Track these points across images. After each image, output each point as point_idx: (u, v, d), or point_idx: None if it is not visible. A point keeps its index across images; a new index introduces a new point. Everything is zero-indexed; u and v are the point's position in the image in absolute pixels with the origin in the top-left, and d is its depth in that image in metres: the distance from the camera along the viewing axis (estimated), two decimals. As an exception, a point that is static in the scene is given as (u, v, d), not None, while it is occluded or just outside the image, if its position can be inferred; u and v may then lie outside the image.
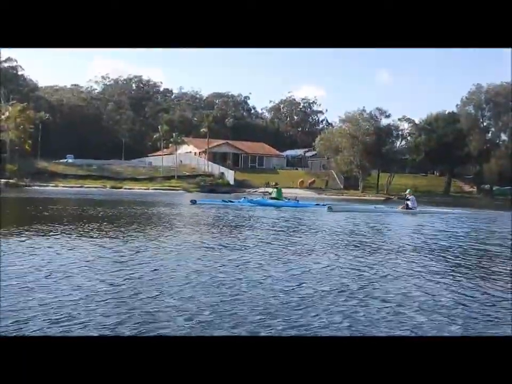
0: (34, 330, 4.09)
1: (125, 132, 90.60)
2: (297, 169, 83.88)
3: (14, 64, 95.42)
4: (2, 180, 55.71)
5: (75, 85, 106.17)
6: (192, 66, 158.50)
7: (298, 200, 28.13)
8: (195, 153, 79.31)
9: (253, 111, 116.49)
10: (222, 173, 70.80)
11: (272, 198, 27.61)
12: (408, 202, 23.84)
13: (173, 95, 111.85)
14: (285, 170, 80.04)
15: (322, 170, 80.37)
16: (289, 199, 28.44)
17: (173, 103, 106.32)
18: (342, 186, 73.64)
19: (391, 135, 78.47)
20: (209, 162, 72.79)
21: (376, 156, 72.89)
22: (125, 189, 58.58)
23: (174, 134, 73.72)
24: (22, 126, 67.17)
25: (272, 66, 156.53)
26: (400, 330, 4.48)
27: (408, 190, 25.12)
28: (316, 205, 28.45)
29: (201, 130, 79.11)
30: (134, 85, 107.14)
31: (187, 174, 69.91)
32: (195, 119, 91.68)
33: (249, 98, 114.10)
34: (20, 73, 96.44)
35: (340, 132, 76.44)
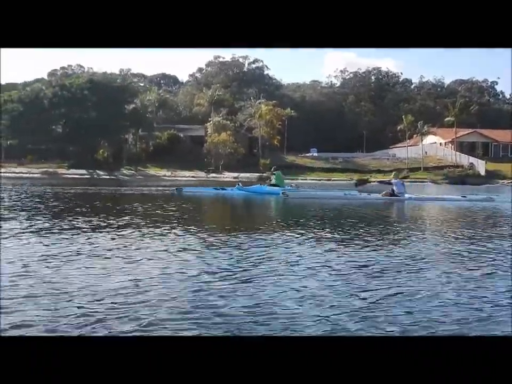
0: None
1: (365, 124, 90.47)
2: (559, 157, 75.37)
3: (260, 64, 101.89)
4: (256, 174, 59.30)
5: (315, 81, 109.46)
6: (432, 55, 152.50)
7: (298, 186, 25.06)
8: (440, 143, 76.07)
9: (500, 96, 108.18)
10: (471, 164, 66.76)
11: (271, 185, 23.24)
12: (394, 187, 19.79)
13: (413, 85, 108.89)
14: (544, 159, 72.55)
15: None
16: (291, 186, 24.58)
17: (413, 93, 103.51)
18: None
19: None
20: (457, 153, 69.17)
21: None
22: (372, 181, 58.16)
23: (419, 124, 71.48)
24: (271, 123, 71.00)
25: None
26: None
27: (394, 173, 22.09)
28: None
29: (446, 119, 75.55)
30: (373, 77, 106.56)
31: (433, 165, 67.47)
32: (437, 107, 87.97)
33: (496, 84, 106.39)
34: (265, 73, 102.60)
35: None
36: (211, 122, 70.95)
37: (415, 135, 73.43)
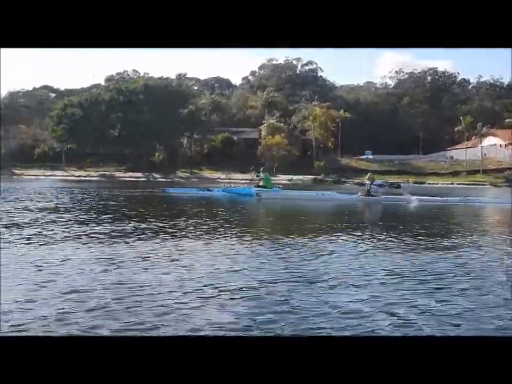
0: None
1: (420, 125, 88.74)
2: None
3: (314, 66, 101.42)
4: (310, 176, 59.05)
5: (369, 82, 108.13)
6: (489, 54, 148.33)
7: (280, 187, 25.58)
8: (500, 145, 73.88)
9: None
10: (534, 166, 64.64)
11: (260, 186, 23.61)
12: (368, 187, 20.98)
13: (470, 85, 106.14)
14: None
15: None
16: (279, 187, 25.26)
17: (470, 94, 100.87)
18: None
19: None
20: (518, 155, 67.14)
21: None
22: (428, 184, 57.22)
23: (478, 125, 69.66)
24: (325, 125, 70.62)
25: None
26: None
27: (369, 174, 22.75)
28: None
29: (507, 120, 73.33)
30: (429, 78, 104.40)
31: (493, 167, 65.71)
32: (496, 108, 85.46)
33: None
34: (318, 74, 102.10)
35: None
36: (265, 124, 71.04)
37: (473, 137, 71.58)
